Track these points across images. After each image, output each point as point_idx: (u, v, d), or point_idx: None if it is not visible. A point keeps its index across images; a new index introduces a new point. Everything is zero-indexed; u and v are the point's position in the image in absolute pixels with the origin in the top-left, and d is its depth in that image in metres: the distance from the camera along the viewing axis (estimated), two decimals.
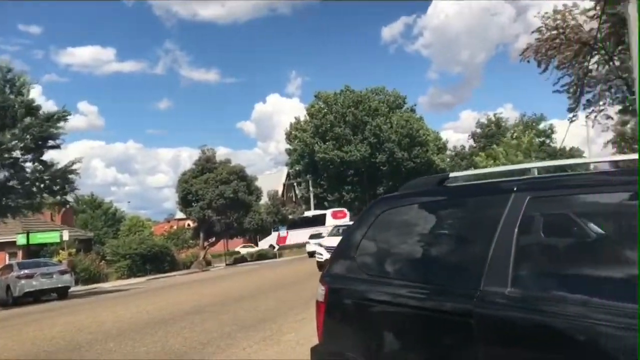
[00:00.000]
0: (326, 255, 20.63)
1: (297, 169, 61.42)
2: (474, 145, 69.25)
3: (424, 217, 3.42)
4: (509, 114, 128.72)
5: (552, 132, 63.85)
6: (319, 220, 40.91)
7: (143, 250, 36.25)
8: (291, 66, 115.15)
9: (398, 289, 3.19)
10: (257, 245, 51.84)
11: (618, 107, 29.25)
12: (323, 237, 27.50)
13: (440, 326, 2.88)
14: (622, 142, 29.36)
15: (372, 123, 55.50)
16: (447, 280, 2.97)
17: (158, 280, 29.91)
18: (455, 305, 2.79)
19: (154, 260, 36.98)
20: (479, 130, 70.72)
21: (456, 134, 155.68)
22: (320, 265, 21.09)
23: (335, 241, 19.84)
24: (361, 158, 55.07)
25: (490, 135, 66.13)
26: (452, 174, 3.46)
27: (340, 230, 23.57)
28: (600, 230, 2.73)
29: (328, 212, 43.44)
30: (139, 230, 55.01)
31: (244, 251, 47.98)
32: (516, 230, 2.67)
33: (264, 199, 42.15)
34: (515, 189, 2.84)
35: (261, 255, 44.60)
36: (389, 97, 59.95)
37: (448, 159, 66.22)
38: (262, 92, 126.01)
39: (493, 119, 70.03)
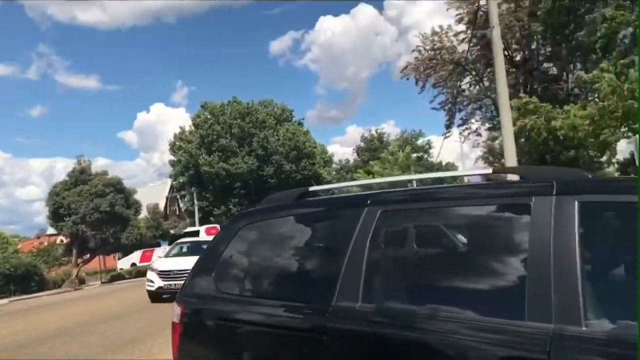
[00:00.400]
0: (159, 283, 16.38)
1: (182, 181, 59.61)
2: (358, 159, 71.53)
3: (283, 232, 3.29)
4: (392, 129, 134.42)
5: (430, 147, 67.32)
6: (192, 237, 39.60)
7: (6, 269, 33.22)
8: (177, 75, 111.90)
9: (256, 307, 3.07)
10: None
11: (488, 125, 31.50)
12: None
13: (295, 344, 2.79)
14: (490, 157, 31.53)
15: (259, 135, 55.33)
16: (303, 296, 2.90)
17: (23, 301, 27.48)
18: (309, 322, 2.74)
19: (20, 279, 33.97)
20: (363, 145, 73.13)
21: (343, 148, 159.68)
22: (152, 295, 16.71)
23: (172, 264, 16.44)
24: (248, 170, 54.60)
25: (373, 150, 68.50)
26: (312, 188, 3.39)
27: (184, 249, 19.17)
28: (461, 243, 2.74)
29: (202, 228, 41.98)
30: (3, 247, 50.34)
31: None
32: (367, 244, 2.65)
33: (144, 213, 40.37)
34: (368, 202, 2.81)
35: (140, 272, 42.57)
36: (276, 110, 60.18)
37: (334, 172, 67.64)
38: (145, 101, 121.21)
39: (375, 134, 72.75)
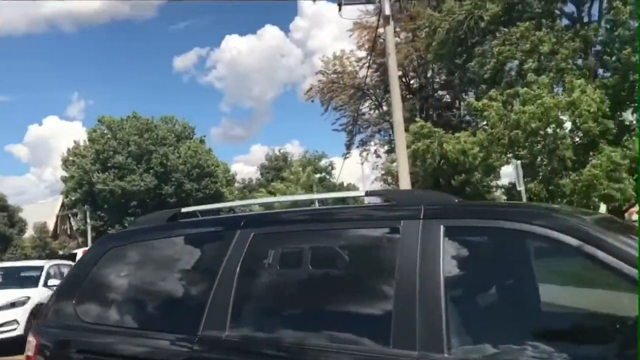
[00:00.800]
0: None
1: (74, 198, 56.31)
2: (261, 178, 71.39)
3: (151, 256, 3.07)
4: (296, 149, 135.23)
5: (333, 168, 68.47)
6: (70, 260, 37.00)
7: None
8: (74, 87, 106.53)
9: (120, 337, 2.83)
10: None
11: (387, 148, 32.57)
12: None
13: None
14: (389, 178, 32.59)
15: (159, 152, 53.65)
16: (171, 325, 2.71)
17: None
18: (176, 354, 2.56)
19: None
20: (267, 163, 73.13)
21: (247, 166, 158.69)
22: None
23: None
24: (146, 189, 52.61)
25: (277, 169, 68.63)
26: (184, 209, 3.21)
27: (19, 274, 13.63)
28: (335, 267, 2.67)
29: (79, 251, 39.73)
30: None
31: None
32: (238, 269, 2.52)
33: (30, 232, 37.73)
34: (241, 224, 2.68)
35: None
36: (178, 127, 58.75)
37: (237, 191, 66.94)
38: (38, 113, 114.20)
39: (279, 154, 73.07)
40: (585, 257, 1.94)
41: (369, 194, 2.79)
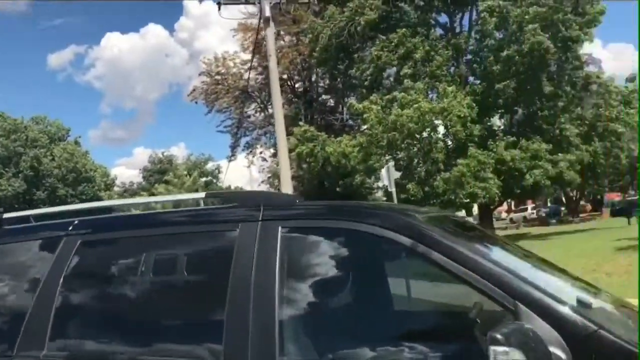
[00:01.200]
0: None
1: None
2: (143, 181, 68.74)
3: None
4: (182, 152, 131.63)
5: (220, 172, 67.38)
6: None
7: None
8: None
9: None
10: None
11: (273, 150, 32.59)
12: None
13: None
14: (276, 181, 32.62)
15: (29, 154, 49.88)
16: None
17: None
18: None
19: None
20: (150, 166, 70.47)
21: (129, 170, 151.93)
22: None
23: None
24: (14, 194, 48.71)
25: (162, 172, 66.29)
26: (6, 215, 2.85)
27: None
28: (176, 274, 2.48)
29: None
30: None
31: None
32: (62, 280, 2.27)
33: None
34: (69, 230, 2.43)
35: None
36: (50, 128, 54.99)
37: (116, 196, 63.90)
38: None
39: (163, 157, 70.67)
40: (417, 255, 1.93)
41: (208, 196, 2.64)
